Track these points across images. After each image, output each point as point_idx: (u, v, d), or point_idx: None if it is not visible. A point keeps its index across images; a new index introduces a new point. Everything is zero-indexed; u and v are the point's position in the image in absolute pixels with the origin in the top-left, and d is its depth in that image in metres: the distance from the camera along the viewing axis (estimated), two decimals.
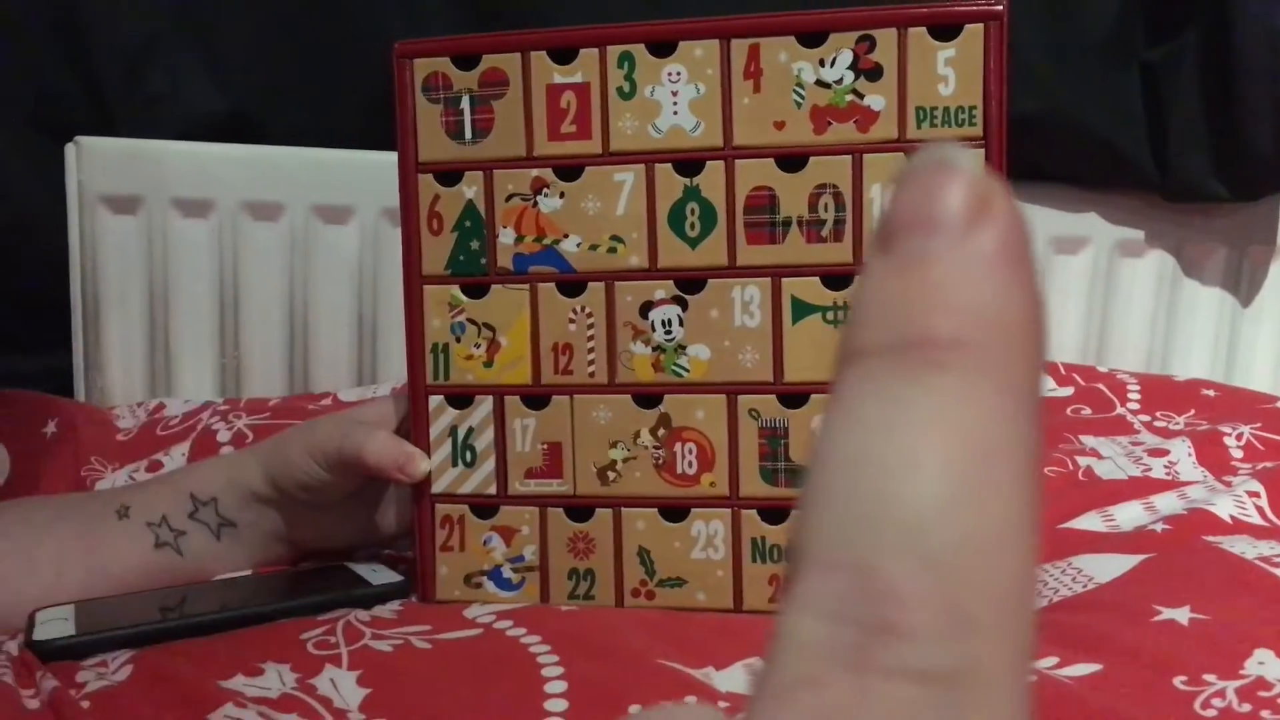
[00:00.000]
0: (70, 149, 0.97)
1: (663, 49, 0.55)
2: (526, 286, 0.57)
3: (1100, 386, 0.88)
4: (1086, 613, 0.50)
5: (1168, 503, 0.62)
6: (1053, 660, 0.45)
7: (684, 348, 0.55)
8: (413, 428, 0.58)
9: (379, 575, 0.58)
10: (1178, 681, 0.42)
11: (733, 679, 0.43)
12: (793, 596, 0.12)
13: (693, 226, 0.55)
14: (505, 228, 0.57)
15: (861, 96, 0.53)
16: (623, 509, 0.56)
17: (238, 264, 1.00)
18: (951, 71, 0.52)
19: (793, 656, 0.12)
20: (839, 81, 0.53)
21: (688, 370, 0.55)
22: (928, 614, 0.12)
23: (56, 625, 0.51)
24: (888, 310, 0.13)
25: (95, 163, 0.96)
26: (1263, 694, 0.41)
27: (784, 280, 0.54)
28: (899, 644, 0.12)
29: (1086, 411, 0.84)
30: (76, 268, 0.97)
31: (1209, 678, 0.42)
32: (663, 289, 0.55)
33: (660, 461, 0.56)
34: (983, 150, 0.52)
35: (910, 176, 0.13)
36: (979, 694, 0.12)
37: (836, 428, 0.13)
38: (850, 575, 0.12)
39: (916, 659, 0.12)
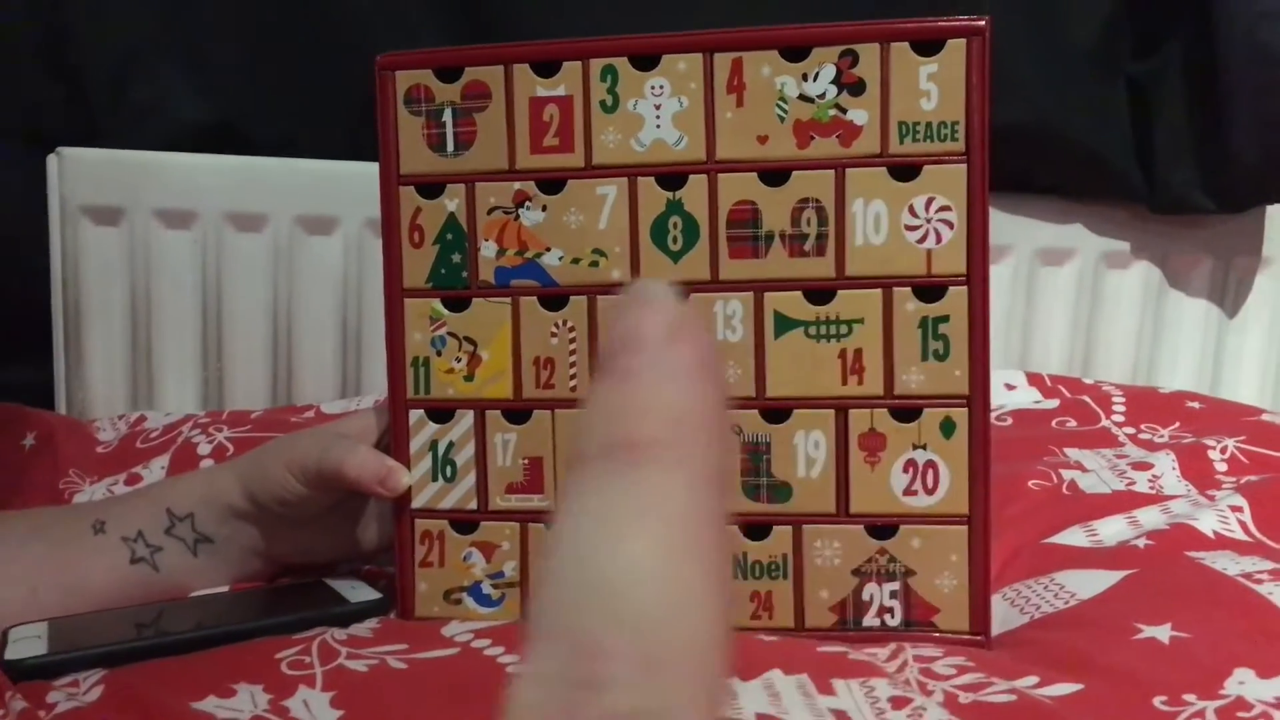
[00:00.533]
0: (52, 159, 0.96)
1: (646, 62, 0.55)
2: (508, 300, 0.56)
3: (1085, 399, 0.88)
4: (1068, 630, 0.50)
5: (1151, 517, 0.62)
6: (1033, 680, 0.45)
7: None
8: (393, 442, 0.58)
9: (357, 592, 0.58)
10: (1158, 702, 0.42)
11: None
12: (522, 670, 0.15)
13: (675, 240, 0.55)
14: (487, 241, 0.56)
15: (844, 111, 0.53)
16: None
17: (221, 275, 0.99)
18: (934, 86, 0.52)
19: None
20: (822, 96, 0.53)
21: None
22: (625, 665, 0.14)
23: (29, 644, 0.50)
24: (602, 420, 0.16)
25: (77, 173, 0.96)
26: (1242, 715, 0.40)
27: (766, 295, 0.54)
28: (601, 693, 0.14)
29: (1071, 424, 0.84)
30: (58, 279, 0.97)
31: (1189, 698, 0.42)
32: None
33: None
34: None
35: (619, 310, 0.17)
36: None
37: (561, 521, 0.16)
38: (566, 643, 0.15)
39: (617, 704, 0.14)
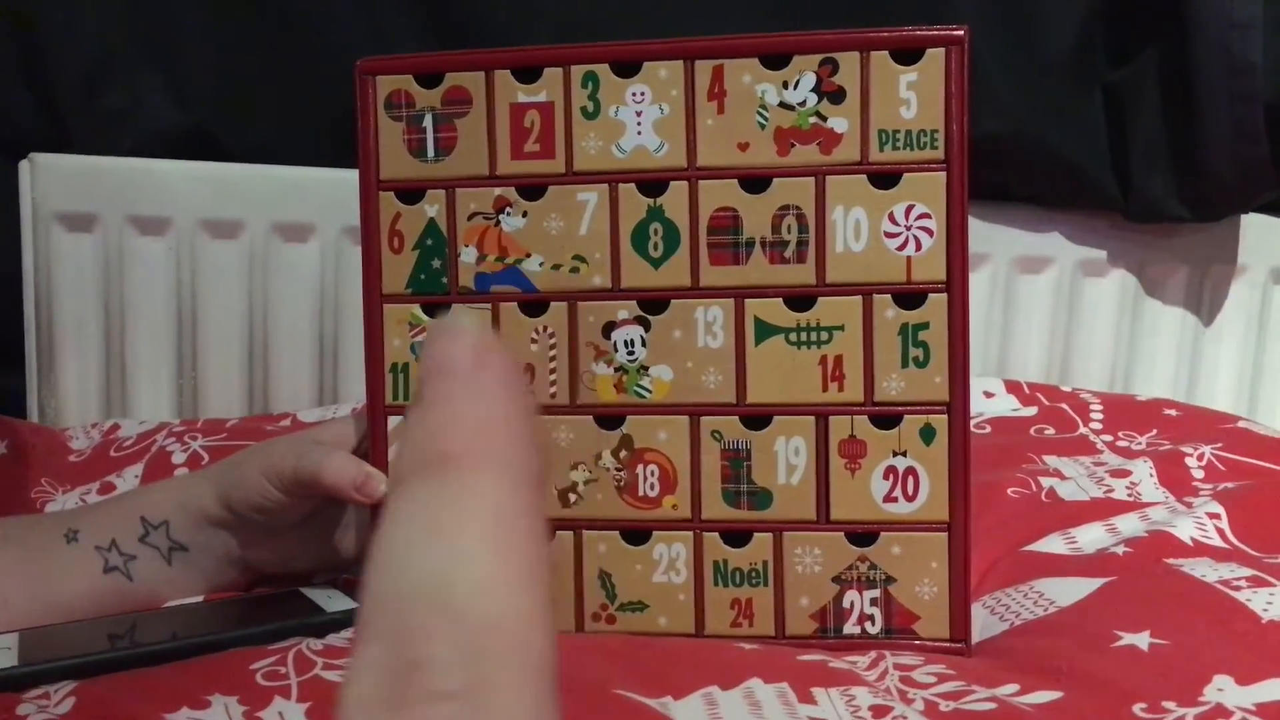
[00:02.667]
0: (24, 166, 0.95)
1: (627, 69, 0.55)
2: (488, 306, 0.56)
3: (1063, 406, 0.88)
4: (1047, 638, 0.50)
5: (1129, 524, 0.62)
6: (1013, 687, 0.45)
7: (646, 368, 0.55)
8: (371, 448, 0.57)
9: (334, 601, 0.57)
10: (1137, 709, 0.42)
11: (690, 709, 0.42)
12: (350, 671, 0.16)
13: (656, 247, 0.55)
14: (467, 246, 0.56)
15: (825, 119, 0.53)
16: (584, 531, 0.55)
17: (196, 283, 0.98)
18: (913, 95, 0.52)
19: (348, 717, 0.15)
20: (802, 104, 0.53)
21: (650, 391, 0.55)
22: (448, 646, 0.15)
23: None
24: (418, 440, 0.18)
25: (50, 180, 0.95)
26: None
27: (747, 301, 0.54)
28: (425, 674, 0.15)
29: (1050, 431, 0.84)
30: (30, 286, 0.96)
31: (1168, 705, 0.42)
32: (625, 309, 0.55)
33: (622, 483, 0.55)
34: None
35: (430, 340, 0.19)
36: (497, 702, 0.15)
37: (382, 533, 0.17)
38: (389, 633, 0.16)
39: (441, 683, 0.15)
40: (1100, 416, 0.86)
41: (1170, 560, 0.56)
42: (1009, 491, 0.69)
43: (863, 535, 0.53)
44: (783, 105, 0.53)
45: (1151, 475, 0.70)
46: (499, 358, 0.18)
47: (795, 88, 0.53)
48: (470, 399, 0.18)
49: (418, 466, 0.17)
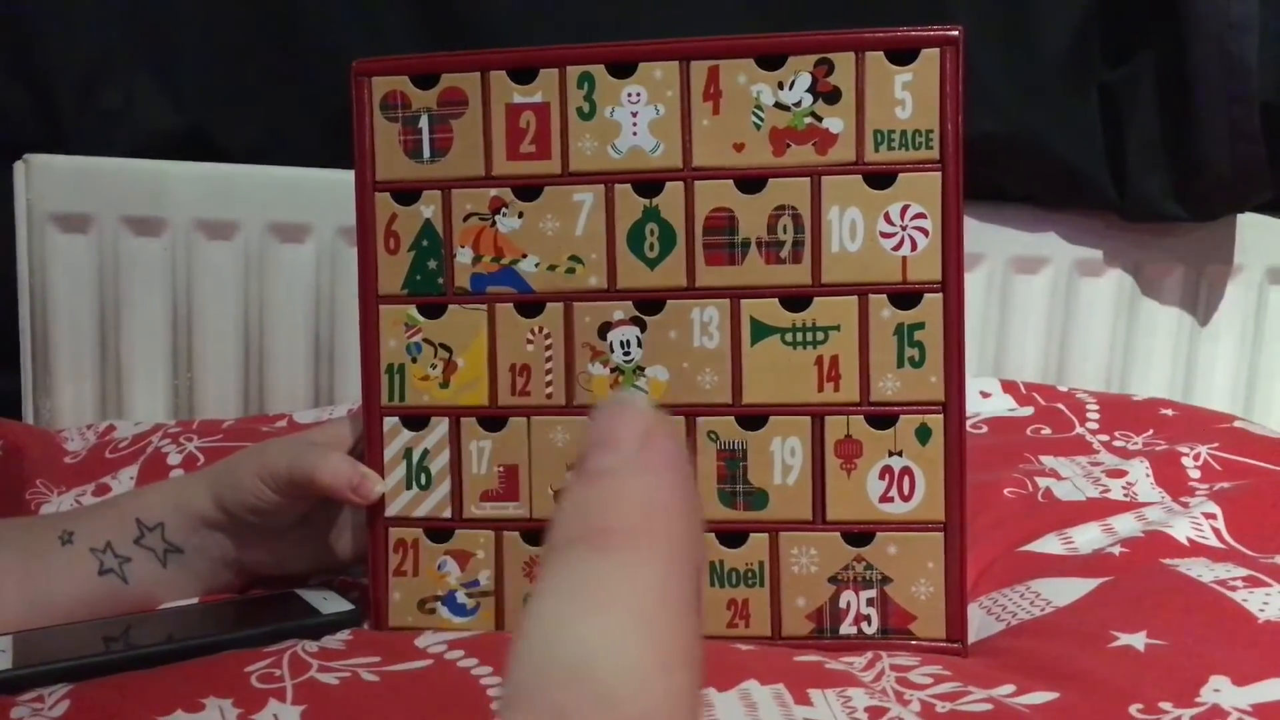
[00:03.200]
0: (19, 167, 0.95)
1: (622, 70, 0.55)
2: (484, 307, 0.56)
3: (1060, 406, 0.88)
4: (1044, 638, 0.50)
5: (1126, 525, 0.62)
6: (1010, 688, 0.44)
7: (642, 369, 0.55)
8: (367, 449, 0.57)
9: (329, 603, 0.57)
10: (1134, 709, 0.42)
11: None
12: None
13: (652, 247, 0.55)
14: (463, 247, 0.56)
15: (820, 119, 0.53)
16: None
17: (191, 284, 0.98)
18: (909, 95, 0.52)
19: None
20: (798, 104, 0.53)
21: (646, 392, 0.55)
22: None
23: None
24: (579, 511, 0.17)
25: (45, 181, 0.94)
26: None
27: (743, 301, 0.54)
28: None
29: (1046, 431, 0.84)
30: (25, 287, 0.96)
31: (1165, 705, 0.42)
32: (621, 310, 0.55)
33: None
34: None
35: (599, 414, 0.19)
36: None
37: (536, 601, 0.17)
38: (535, 710, 0.15)
39: None
40: (1096, 416, 0.86)
41: (1166, 560, 0.56)
42: (1005, 491, 0.69)
43: (859, 535, 0.53)
44: (778, 106, 0.53)
45: (1148, 475, 0.70)
46: (668, 439, 0.18)
47: (790, 88, 0.53)
48: (636, 476, 0.18)
49: (576, 537, 0.17)
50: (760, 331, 0.54)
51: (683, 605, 0.17)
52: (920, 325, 0.53)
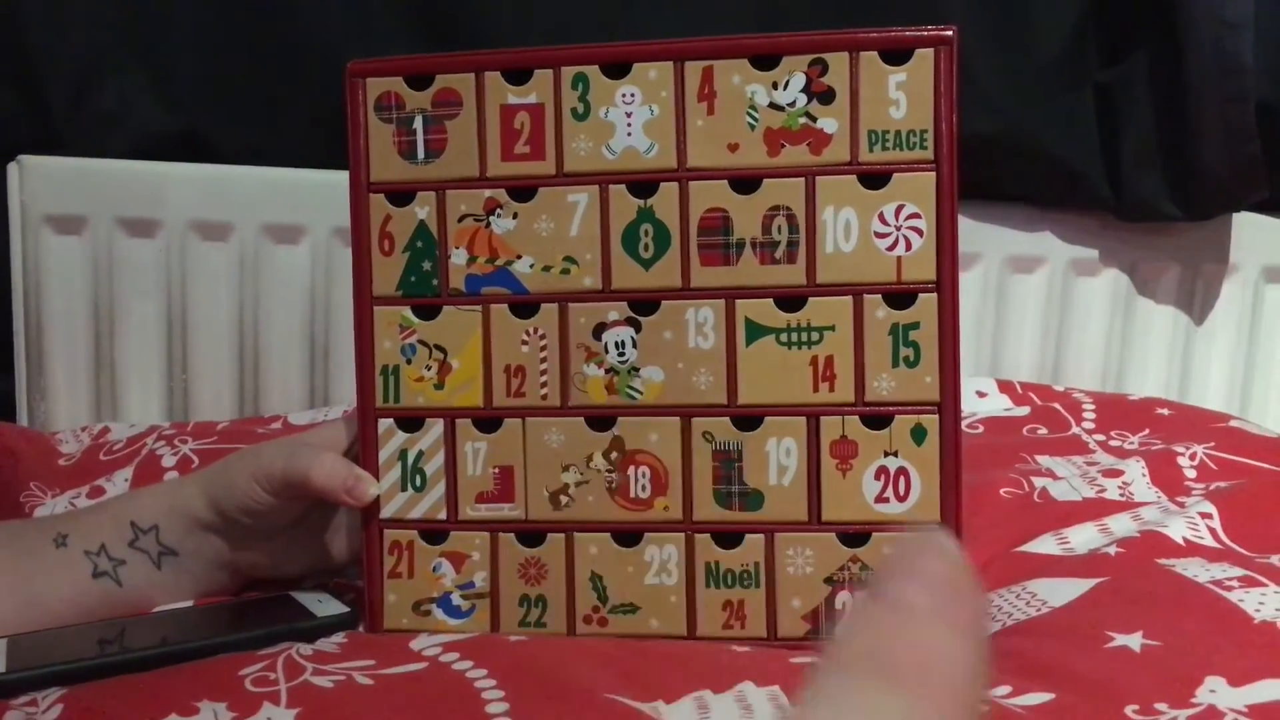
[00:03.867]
0: (13, 168, 0.95)
1: (617, 70, 0.54)
2: (479, 308, 0.56)
3: (1056, 406, 0.88)
4: (1039, 638, 0.49)
5: (1122, 524, 0.62)
6: (1005, 689, 0.44)
7: (637, 370, 0.55)
8: (362, 451, 0.57)
9: (324, 606, 0.57)
10: (1129, 710, 0.42)
11: (682, 713, 0.42)
12: None
13: (646, 248, 0.55)
14: (458, 248, 0.56)
15: (814, 119, 0.53)
16: (575, 534, 0.55)
17: (186, 285, 0.98)
18: (903, 95, 0.52)
19: None
20: (792, 104, 0.53)
21: (641, 393, 0.55)
22: None
23: None
24: (871, 635, 0.17)
25: (39, 182, 0.94)
26: None
27: (738, 302, 0.54)
28: None
29: (1042, 431, 0.84)
30: (19, 289, 0.95)
31: (1160, 706, 0.42)
32: (616, 310, 0.55)
33: (613, 485, 0.55)
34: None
35: (909, 542, 0.18)
36: None
37: (807, 710, 0.17)
38: None
39: None
40: (1093, 416, 0.86)
41: (1162, 560, 0.56)
42: (1002, 492, 0.69)
43: (854, 536, 0.53)
44: (772, 106, 0.53)
45: (1144, 475, 0.70)
46: (977, 595, 0.18)
47: (785, 88, 0.53)
48: (940, 622, 0.17)
49: (863, 661, 0.17)
50: (755, 332, 0.54)
51: None
52: (915, 325, 0.53)
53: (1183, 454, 0.73)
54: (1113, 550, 0.58)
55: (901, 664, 0.17)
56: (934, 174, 0.52)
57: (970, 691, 0.17)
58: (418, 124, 0.56)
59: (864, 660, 0.17)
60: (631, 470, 0.55)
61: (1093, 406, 0.87)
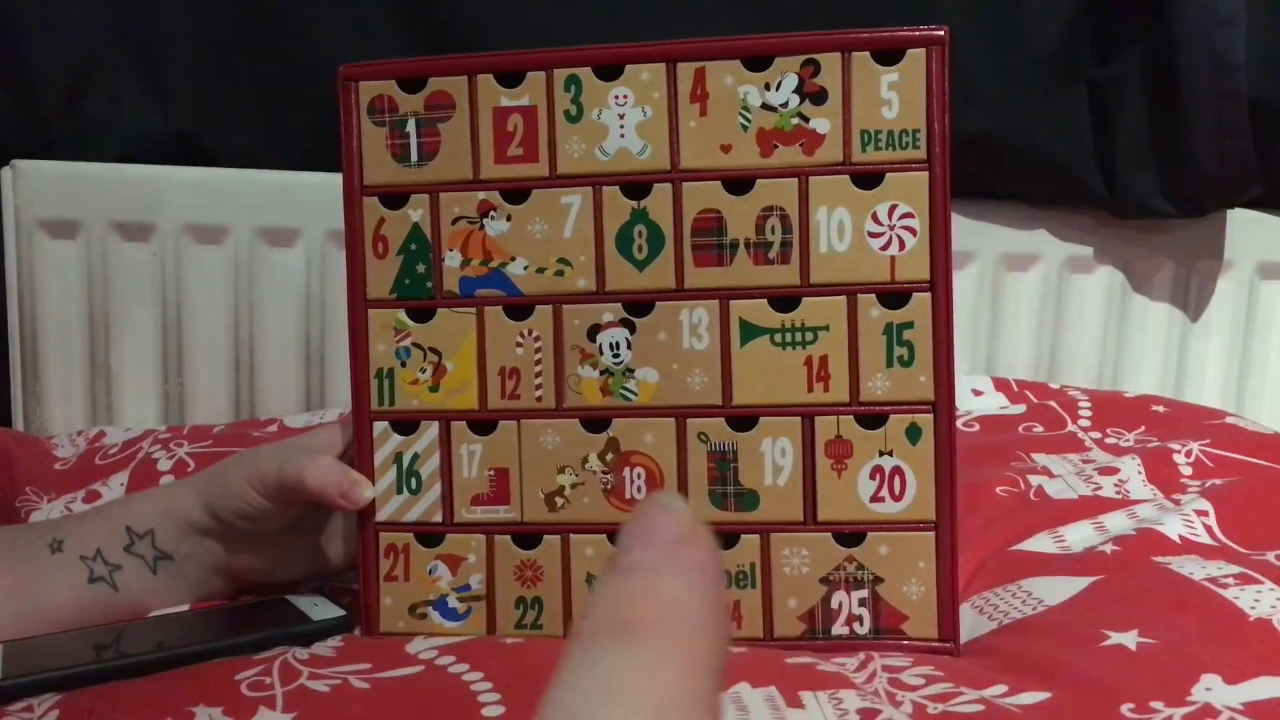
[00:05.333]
0: (6, 172, 0.94)
1: (609, 72, 0.54)
2: (473, 310, 0.56)
3: (1051, 403, 0.88)
4: (1035, 637, 0.50)
5: (1118, 522, 0.62)
6: (1001, 688, 0.44)
7: (632, 371, 0.55)
8: (357, 454, 0.57)
9: (320, 610, 0.57)
10: (1125, 709, 0.42)
11: None
12: None
13: (640, 249, 0.55)
14: (451, 251, 0.56)
15: (807, 120, 0.53)
16: (571, 535, 0.55)
17: (180, 289, 0.98)
18: (895, 95, 0.52)
19: None
20: (785, 105, 0.53)
21: (636, 394, 0.55)
22: None
23: None
24: (607, 602, 0.18)
25: (32, 186, 0.94)
26: None
27: (732, 302, 0.54)
28: None
29: (1038, 429, 0.84)
30: (14, 294, 0.95)
31: (1156, 704, 0.42)
32: (610, 312, 0.55)
33: (609, 487, 0.55)
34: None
35: (638, 512, 0.19)
36: None
37: (558, 688, 0.17)
38: None
39: None
40: (1088, 413, 0.86)
41: (1158, 558, 0.56)
42: (998, 490, 0.69)
43: (850, 535, 0.53)
44: (765, 107, 0.53)
45: (1140, 472, 0.70)
46: (705, 542, 0.19)
47: (777, 89, 0.53)
48: (668, 573, 0.18)
49: (603, 627, 0.18)
50: (749, 332, 0.54)
51: (702, 706, 0.17)
52: (909, 324, 0.53)
53: (1178, 451, 0.73)
54: (1109, 548, 0.58)
55: (638, 619, 0.17)
56: (927, 173, 0.52)
57: (710, 630, 0.18)
58: (411, 127, 0.56)
59: (604, 625, 0.18)
60: (627, 471, 0.55)
61: (1088, 404, 0.87)
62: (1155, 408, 0.86)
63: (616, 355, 0.55)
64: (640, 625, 0.17)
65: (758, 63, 0.53)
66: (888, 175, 0.53)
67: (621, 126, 0.54)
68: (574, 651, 0.17)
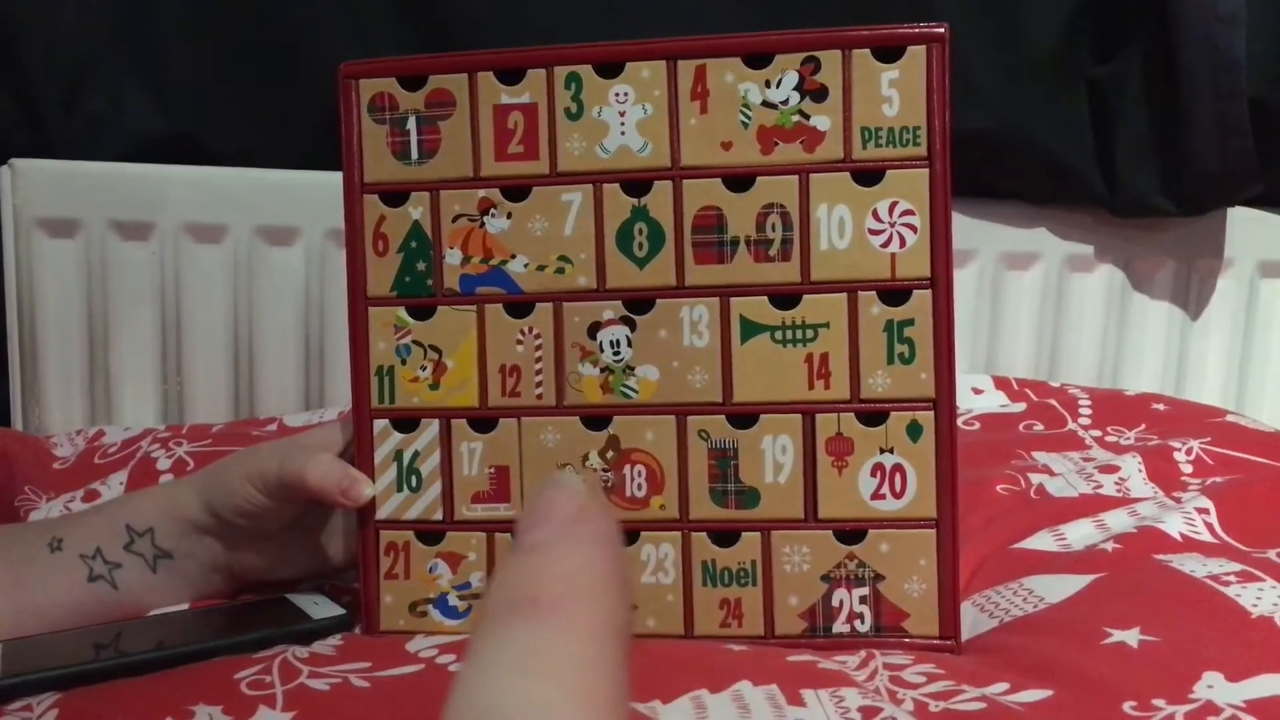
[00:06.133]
0: (5, 171, 0.94)
1: (610, 70, 0.54)
2: (473, 308, 0.56)
3: (1052, 402, 0.88)
4: (1037, 635, 0.49)
5: (1118, 520, 0.62)
6: (1003, 686, 0.44)
7: (632, 368, 0.55)
8: (357, 452, 0.57)
9: (320, 608, 0.57)
10: (1127, 707, 0.42)
11: (679, 712, 0.42)
12: None
13: (641, 246, 0.54)
14: (452, 248, 0.56)
15: (807, 117, 0.53)
16: None
17: (180, 288, 0.98)
18: (895, 93, 0.52)
19: None
20: (785, 102, 0.53)
21: (636, 391, 0.55)
22: None
23: None
24: (509, 583, 0.18)
25: (31, 185, 0.94)
26: (1211, 719, 0.40)
27: (732, 300, 0.54)
28: None
29: (1039, 427, 0.84)
30: (12, 293, 0.95)
31: (1158, 702, 0.42)
32: (611, 309, 0.55)
33: (609, 484, 0.55)
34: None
35: (536, 494, 0.20)
36: None
37: (466, 669, 0.17)
38: None
39: None
40: (1089, 412, 0.86)
41: (1159, 556, 0.56)
42: (998, 488, 0.69)
43: (851, 533, 0.53)
44: (765, 104, 0.53)
45: (1140, 470, 0.70)
46: (601, 515, 0.19)
47: (778, 86, 0.53)
48: (566, 549, 0.19)
49: (508, 606, 0.18)
50: (750, 330, 0.54)
51: (611, 672, 0.17)
52: (910, 322, 0.53)
53: (1179, 449, 0.73)
54: (1110, 546, 0.58)
55: (538, 596, 0.18)
56: (927, 171, 0.52)
57: (610, 598, 0.18)
58: (411, 125, 0.56)
59: (505, 604, 0.18)
60: (627, 469, 0.55)
61: (1089, 402, 0.87)
62: (1156, 406, 0.86)
63: (617, 353, 0.55)
64: (543, 601, 0.18)
65: (758, 60, 0.53)
66: (888, 172, 0.52)
67: (622, 124, 0.54)
68: (482, 632, 0.18)
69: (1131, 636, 0.47)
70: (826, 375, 0.53)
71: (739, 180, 0.54)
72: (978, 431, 0.84)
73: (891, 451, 0.53)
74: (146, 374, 0.98)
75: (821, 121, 0.53)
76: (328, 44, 0.97)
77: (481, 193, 0.55)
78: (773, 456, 0.54)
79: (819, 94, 0.53)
